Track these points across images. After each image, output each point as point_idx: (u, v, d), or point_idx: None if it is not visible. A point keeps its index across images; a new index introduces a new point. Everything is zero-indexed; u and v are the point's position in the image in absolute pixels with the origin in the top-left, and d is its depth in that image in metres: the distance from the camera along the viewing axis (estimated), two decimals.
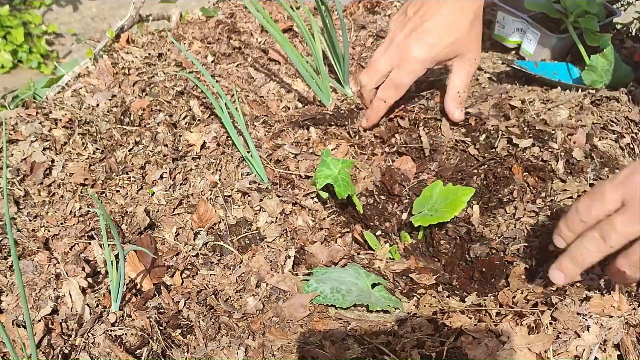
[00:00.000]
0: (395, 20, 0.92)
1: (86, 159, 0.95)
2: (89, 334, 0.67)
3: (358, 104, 1.07)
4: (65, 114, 1.02)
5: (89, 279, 0.75)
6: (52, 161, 0.94)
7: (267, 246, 0.82)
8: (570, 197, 0.82)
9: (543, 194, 0.84)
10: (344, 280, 0.76)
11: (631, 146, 0.89)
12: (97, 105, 1.06)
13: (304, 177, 0.92)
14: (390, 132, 0.98)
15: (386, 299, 0.74)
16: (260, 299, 0.74)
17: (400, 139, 0.96)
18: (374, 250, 0.84)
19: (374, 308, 0.72)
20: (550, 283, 0.71)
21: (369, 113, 0.94)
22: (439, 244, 0.84)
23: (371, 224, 0.89)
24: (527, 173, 0.87)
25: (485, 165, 0.90)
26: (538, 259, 0.76)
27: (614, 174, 0.85)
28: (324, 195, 0.89)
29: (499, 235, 0.81)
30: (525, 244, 0.78)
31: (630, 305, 0.65)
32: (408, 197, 0.90)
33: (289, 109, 1.08)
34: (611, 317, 0.64)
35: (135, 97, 1.08)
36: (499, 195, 0.87)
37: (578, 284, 0.69)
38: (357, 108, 1.03)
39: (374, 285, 0.77)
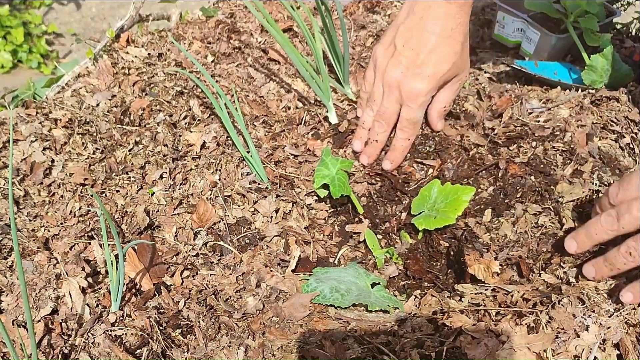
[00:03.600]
0: (384, 53, 0.88)
1: (86, 159, 0.95)
2: (89, 334, 0.67)
3: (357, 103, 1.07)
4: (65, 114, 1.02)
5: (89, 279, 0.75)
6: (52, 161, 0.94)
7: (267, 246, 0.82)
8: (573, 199, 0.82)
9: (544, 194, 0.84)
10: (343, 280, 0.76)
11: (631, 146, 0.89)
12: (97, 105, 1.06)
13: (303, 178, 0.92)
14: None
15: (386, 299, 0.74)
16: (260, 299, 0.74)
17: None
18: (374, 250, 0.84)
19: (373, 308, 0.72)
20: (549, 283, 0.71)
21: (395, 155, 0.92)
22: (438, 244, 0.84)
23: (371, 224, 0.89)
24: (526, 172, 0.87)
25: (485, 166, 0.90)
26: (538, 259, 0.76)
27: (614, 174, 0.85)
28: (322, 194, 0.89)
29: (499, 235, 0.81)
30: (525, 244, 0.78)
31: (630, 305, 0.65)
32: (408, 197, 0.90)
33: (289, 108, 1.08)
34: (610, 316, 0.64)
35: (135, 97, 1.08)
36: (500, 196, 0.87)
37: (577, 284, 0.69)
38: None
39: (373, 285, 0.77)
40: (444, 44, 0.83)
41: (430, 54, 0.83)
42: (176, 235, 0.83)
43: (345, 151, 0.97)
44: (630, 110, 0.94)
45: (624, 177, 0.66)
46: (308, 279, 0.76)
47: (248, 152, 0.91)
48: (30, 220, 0.85)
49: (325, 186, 0.88)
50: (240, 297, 0.75)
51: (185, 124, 1.03)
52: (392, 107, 0.88)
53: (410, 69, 0.84)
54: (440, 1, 0.81)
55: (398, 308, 0.74)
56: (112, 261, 0.69)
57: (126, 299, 0.74)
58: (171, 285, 0.77)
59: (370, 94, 0.92)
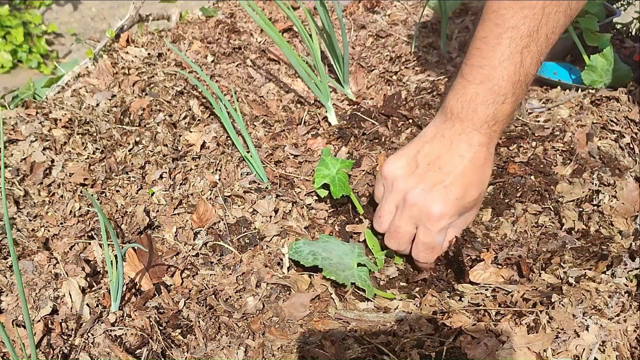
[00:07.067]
0: (403, 168, 0.78)
1: (86, 158, 0.95)
2: (89, 334, 0.67)
3: (357, 104, 1.07)
4: (65, 114, 1.02)
5: (89, 279, 0.75)
6: (52, 161, 0.94)
7: (267, 245, 0.82)
8: (573, 199, 0.82)
9: (544, 194, 0.84)
10: (330, 250, 0.78)
11: (631, 146, 0.89)
12: (97, 105, 1.06)
13: (303, 178, 0.92)
14: (394, 133, 0.98)
15: (361, 280, 0.76)
16: (260, 299, 0.74)
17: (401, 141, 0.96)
18: (374, 251, 0.84)
19: (339, 280, 0.74)
20: (549, 283, 0.71)
21: (423, 267, 0.82)
22: None
23: (371, 224, 0.89)
24: (526, 172, 0.87)
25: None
26: (538, 259, 0.76)
27: (615, 174, 0.85)
28: (322, 193, 0.89)
29: (499, 234, 0.81)
30: (525, 244, 0.78)
31: (630, 305, 0.65)
32: None
33: (289, 108, 1.08)
34: (611, 318, 0.64)
35: (135, 97, 1.08)
36: (499, 196, 0.87)
37: (577, 284, 0.69)
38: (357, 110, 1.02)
39: (359, 265, 0.78)
40: (475, 171, 0.76)
41: (460, 177, 0.75)
42: (176, 235, 0.83)
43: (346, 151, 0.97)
44: (630, 110, 0.94)
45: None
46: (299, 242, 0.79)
47: (248, 152, 0.91)
48: (30, 220, 0.85)
49: (326, 186, 0.88)
50: (240, 297, 0.75)
51: (185, 124, 1.04)
52: (406, 226, 0.78)
53: (435, 189, 0.75)
54: (474, 132, 0.75)
55: (370, 299, 0.75)
56: (111, 261, 0.69)
57: (126, 299, 0.74)
58: (171, 285, 0.77)
59: (378, 210, 0.82)
